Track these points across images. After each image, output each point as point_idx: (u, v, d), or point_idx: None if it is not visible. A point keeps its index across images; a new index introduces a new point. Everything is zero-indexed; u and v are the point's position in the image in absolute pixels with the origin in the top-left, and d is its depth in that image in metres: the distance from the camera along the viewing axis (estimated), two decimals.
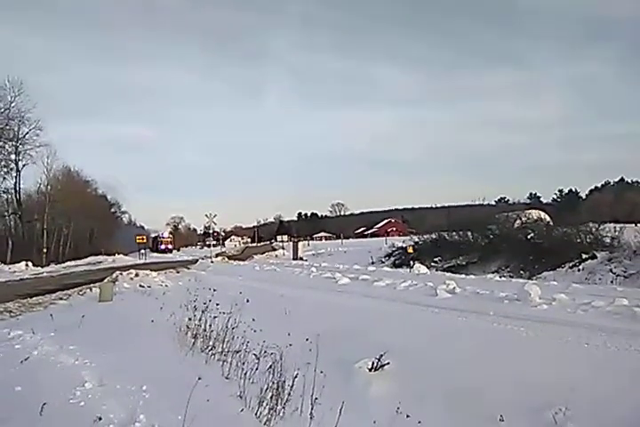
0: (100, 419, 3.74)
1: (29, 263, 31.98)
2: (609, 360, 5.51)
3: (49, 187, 41.69)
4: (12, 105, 37.24)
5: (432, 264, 29.65)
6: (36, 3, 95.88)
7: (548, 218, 34.62)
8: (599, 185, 72.81)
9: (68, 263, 37.02)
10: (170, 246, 71.02)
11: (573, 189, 76.76)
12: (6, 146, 37.97)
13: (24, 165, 39.39)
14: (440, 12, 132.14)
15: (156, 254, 58.33)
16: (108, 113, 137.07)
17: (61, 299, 13.38)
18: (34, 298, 13.46)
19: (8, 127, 37.61)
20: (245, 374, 4.95)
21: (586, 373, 5.03)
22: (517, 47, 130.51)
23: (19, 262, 31.49)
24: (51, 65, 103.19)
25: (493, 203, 54.47)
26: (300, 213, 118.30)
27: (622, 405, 4.27)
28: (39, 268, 31.90)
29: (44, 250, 38.81)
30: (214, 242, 60.04)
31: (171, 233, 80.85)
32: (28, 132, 38.53)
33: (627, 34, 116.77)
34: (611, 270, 20.79)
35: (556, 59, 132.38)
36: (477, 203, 40.23)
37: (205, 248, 70.38)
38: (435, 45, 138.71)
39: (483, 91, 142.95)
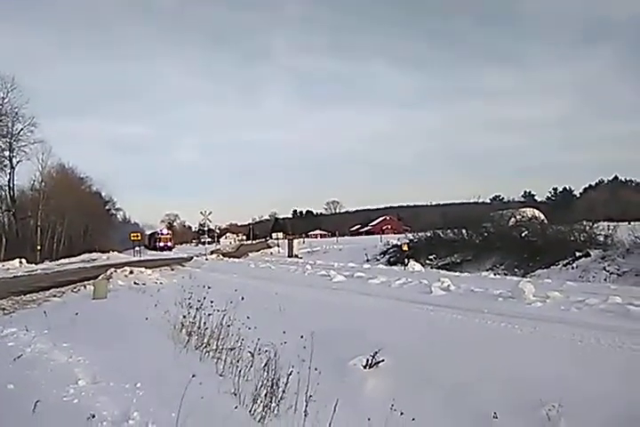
0: (94, 416, 3.72)
1: (23, 260, 31.86)
2: (602, 358, 5.54)
3: (43, 184, 41.49)
4: (5, 101, 37.12)
5: (427, 262, 29.70)
6: (35, 2, 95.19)
7: (542, 216, 34.72)
8: (593, 183, 73.16)
9: (62, 260, 36.92)
10: (169, 244, 66.79)
11: (568, 188, 77.12)
12: (0, 142, 37.81)
13: (18, 162, 39.29)
14: (439, 13, 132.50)
15: (151, 252, 57.92)
16: (105, 111, 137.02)
17: (55, 296, 13.33)
18: (27, 295, 13.40)
19: (2, 123, 37.43)
20: (240, 371, 4.95)
21: (579, 370, 5.05)
22: (515, 48, 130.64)
23: (12, 260, 31.36)
24: (48, 62, 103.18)
25: (488, 201, 54.42)
26: (295, 211, 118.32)
27: (615, 401, 4.29)
28: (33, 265, 31.78)
29: (38, 247, 38.60)
30: (209, 239, 59.61)
31: (170, 229, 77.95)
32: (22, 129, 38.40)
33: (624, 34, 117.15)
34: (604, 268, 20.87)
35: (553, 59, 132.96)
36: (472, 201, 40.28)
37: (200, 246, 69.54)
38: (433, 46, 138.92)
39: (479, 91, 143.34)
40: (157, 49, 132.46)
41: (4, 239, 36.43)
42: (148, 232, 77.52)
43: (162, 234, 69.01)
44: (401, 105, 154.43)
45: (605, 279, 19.58)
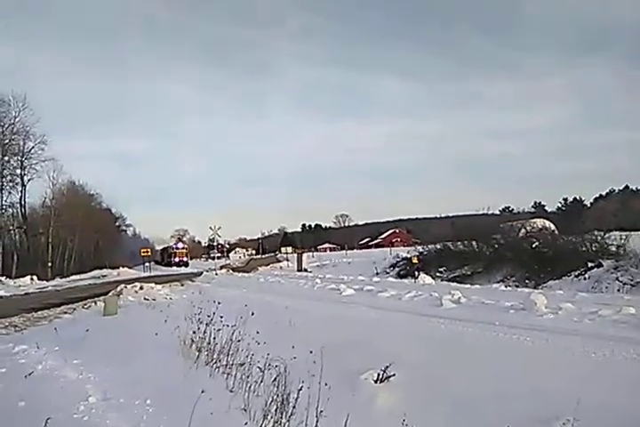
0: None
1: (34, 277, 32.06)
2: (616, 370, 5.46)
3: (54, 201, 41.91)
4: (17, 120, 37.67)
5: (437, 274, 29.49)
6: (37, 18, 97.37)
7: (552, 227, 34.44)
8: (604, 193, 72.38)
9: (73, 277, 37.14)
10: (185, 259, 65.25)
11: (578, 198, 76.31)
12: (11, 160, 38.35)
13: (29, 180, 39.72)
14: (439, 23, 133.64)
15: (163, 268, 57.89)
16: (112, 127, 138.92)
17: (66, 313, 13.38)
18: (38, 312, 13.47)
19: (13, 142, 37.98)
20: (250, 387, 4.92)
21: (593, 382, 4.98)
22: (517, 56, 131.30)
23: (24, 276, 31.56)
24: (54, 80, 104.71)
25: (498, 212, 54.01)
26: (304, 225, 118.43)
27: (630, 414, 4.21)
28: (44, 282, 31.98)
29: (49, 264, 38.87)
30: (219, 254, 59.51)
31: (185, 243, 74.94)
32: (33, 147, 38.91)
33: (626, 42, 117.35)
34: (617, 279, 20.60)
35: (558, 67, 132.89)
36: (482, 212, 39.88)
37: (210, 260, 69.32)
38: (434, 56, 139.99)
39: (484, 100, 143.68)
40: (160, 64, 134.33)
41: (15, 256, 36.69)
42: (159, 247, 77.61)
43: (177, 248, 67.58)
44: (405, 115, 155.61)
45: (619, 290, 19.31)
